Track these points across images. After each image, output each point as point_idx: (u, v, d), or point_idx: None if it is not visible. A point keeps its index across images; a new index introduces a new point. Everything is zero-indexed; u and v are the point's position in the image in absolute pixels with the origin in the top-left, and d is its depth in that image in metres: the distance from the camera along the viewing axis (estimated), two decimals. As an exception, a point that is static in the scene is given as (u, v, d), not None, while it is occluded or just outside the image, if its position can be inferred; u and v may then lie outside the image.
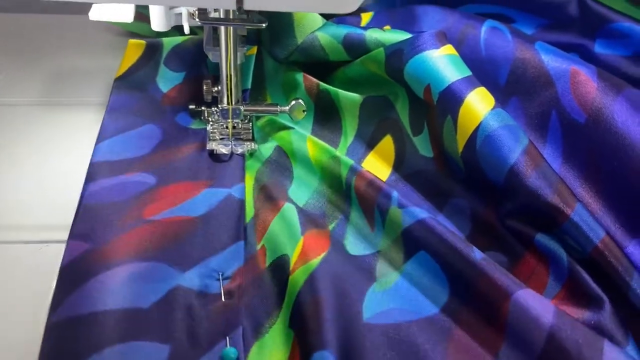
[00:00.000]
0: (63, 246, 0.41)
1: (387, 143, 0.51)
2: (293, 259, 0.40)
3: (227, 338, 0.36)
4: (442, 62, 0.45)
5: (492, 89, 0.48)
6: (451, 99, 0.43)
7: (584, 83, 0.45)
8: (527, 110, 0.47)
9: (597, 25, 0.57)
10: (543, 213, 0.39)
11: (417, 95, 0.47)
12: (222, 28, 0.44)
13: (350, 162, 0.46)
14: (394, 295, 0.39)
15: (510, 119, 0.42)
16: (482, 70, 0.49)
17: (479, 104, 0.42)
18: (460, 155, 0.44)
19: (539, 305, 0.34)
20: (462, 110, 0.43)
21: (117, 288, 0.36)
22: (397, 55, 0.49)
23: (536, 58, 0.48)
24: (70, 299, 0.36)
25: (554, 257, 0.39)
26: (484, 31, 0.51)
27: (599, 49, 0.57)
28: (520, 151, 0.41)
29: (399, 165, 0.49)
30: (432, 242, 0.40)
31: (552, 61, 0.47)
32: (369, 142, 0.51)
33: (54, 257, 0.40)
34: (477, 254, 0.38)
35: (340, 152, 0.48)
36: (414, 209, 0.41)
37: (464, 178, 0.45)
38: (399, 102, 0.51)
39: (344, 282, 0.39)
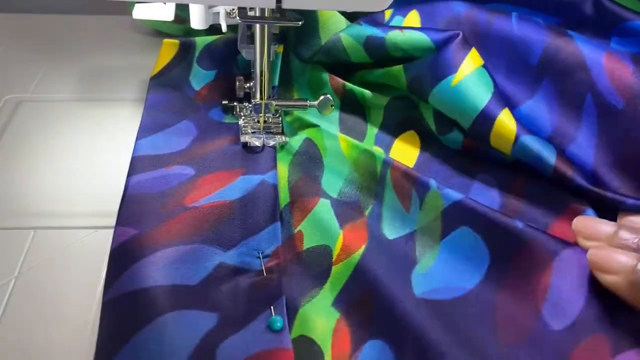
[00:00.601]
0: (110, 232, 0.43)
1: (412, 135, 0.53)
2: (335, 251, 0.42)
3: (272, 307, 0.38)
4: (462, 95, 0.46)
5: (523, 69, 0.48)
6: (482, 128, 0.45)
7: (619, 67, 0.45)
8: (561, 92, 0.47)
9: (612, 24, 0.58)
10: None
11: None
12: (258, 26, 0.46)
13: (382, 154, 0.48)
14: (435, 275, 0.41)
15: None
16: (513, 48, 0.49)
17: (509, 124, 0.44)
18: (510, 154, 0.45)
19: (580, 261, 0.36)
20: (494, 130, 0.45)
21: (164, 268, 0.39)
22: (417, 83, 0.50)
23: (570, 42, 0.48)
24: (121, 279, 0.38)
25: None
26: (515, 15, 0.51)
27: (614, 46, 0.58)
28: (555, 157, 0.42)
29: (426, 150, 0.51)
30: (473, 218, 0.41)
31: (585, 46, 0.47)
32: (393, 133, 0.53)
33: (104, 241, 0.43)
34: (518, 223, 0.39)
35: (367, 144, 0.50)
36: (450, 192, 0.42)
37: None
38: (422, 103, 0.52)
39: (389, 269, 0.40)
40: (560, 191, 0.43)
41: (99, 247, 0.43)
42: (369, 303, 0.39)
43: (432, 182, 0.44)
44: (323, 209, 0.45)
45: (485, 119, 0.45)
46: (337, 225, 0.44)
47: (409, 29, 0.52)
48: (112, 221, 0.44)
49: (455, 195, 0.42)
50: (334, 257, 0.42)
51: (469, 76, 0.46)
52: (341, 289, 0.40)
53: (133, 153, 0.49)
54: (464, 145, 0.49)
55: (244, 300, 0.38)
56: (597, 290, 0.34)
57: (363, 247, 0.42)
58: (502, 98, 0.45)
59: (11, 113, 0.56)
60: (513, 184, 0.45)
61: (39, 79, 0.62)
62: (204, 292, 0.38)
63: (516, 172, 0.46)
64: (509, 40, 0.50)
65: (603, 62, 0.46)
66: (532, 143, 0.43)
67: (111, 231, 0.43)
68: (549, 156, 0.42)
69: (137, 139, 0.51)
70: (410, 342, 0.35)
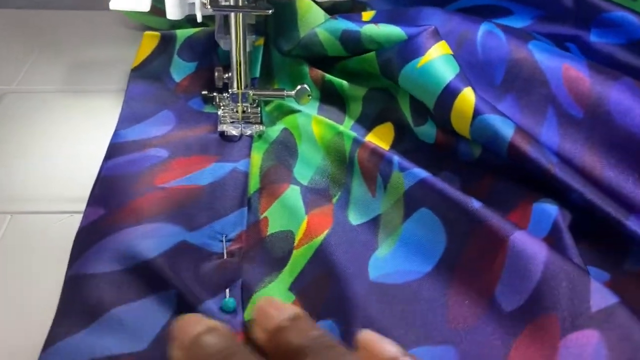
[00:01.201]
0: None
1: (387, 127, 0.53)
2: (298, 236, 0.43)
3: (227, 290, 0.38)
4: (427, 74, 0.47)
5: (489, 88, 0.50)
6: (445, 105, 0.46)
7: (576, 78, 0.47)
8: (523, 106, 0.48)
9: (591, 16, 0.58)
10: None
11: None
12: (232, 16, 0.47)
13: (354, 134, 0.48)
14: (392, 259, 0.41)
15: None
16: (480, 71, 0.51)
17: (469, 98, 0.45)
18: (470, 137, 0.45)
19: (534, 243, 0.36)
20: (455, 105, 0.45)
21: (125, 246, 0.39)
22: (388, 66, 0.51)
23: (530, 58, 0.49)
24: (82, 258, 0.38)
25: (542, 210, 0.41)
26: (480, 35, 0.52)
27: (594, 38, 0.58)
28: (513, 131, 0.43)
29: (397, 144, 0.51)
30: (433, 198, 0.41)
31: (545, 60, 0.49)
32: (369, 126, 0.54)
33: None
34: (475, 203, 0.39)
35: (344, 128, 0.51)
36: (414, 170, 0.43)
37: (475, 160, 0.47)
38: (400, 94, 0.53)
39: (348, 253, 0.41)
40: (518, 187, 0.44)
41: (75, 231, 0.43)
42: (324, 286, 0.39)
43: (395, 159, 0.44)
44: (291, 194, 0.46)
45: (448, 95, 0.45)
46: (303, 211, 0.44)
47: (383, 24, 0.52)
48: None
49: (419, 173, 0.43)
50: (296, 241, 0.43)
51: (436, 59, 0.47)
52: (299, 273, 0.41)
53: (111, 140, 0.50)
54: (437, 141, 0.49)
55: (202, 281, 0.39)
56: (551, 270, 0.34)
57: (326, 231, 0.43)
58: (467, 80, 0.46)
59: (-5, 105, 0.57)
60: (477, 183, 0.46)
61: (24, 72, 0.63)
62: (161, 268, 0.38)
63: (482, 172, 0.46)
64: (476, 64, 0.51)
65: (561, 74, 0.48)
66: (490, 120, 0.43)
67: None
68: (507, 130, 0.43)
69: (117, 129, 0.51)
70: (356, 323, 0.36)
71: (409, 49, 0.49)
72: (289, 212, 0.45)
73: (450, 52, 0.48)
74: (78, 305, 0.36)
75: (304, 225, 0.43)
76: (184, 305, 0.36)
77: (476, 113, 0.44)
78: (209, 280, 0.39)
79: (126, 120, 0.52)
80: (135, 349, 0.35)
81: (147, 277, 0.38)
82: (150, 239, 0.40)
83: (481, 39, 0.53)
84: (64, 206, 0.46)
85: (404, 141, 0.52)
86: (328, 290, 0.39)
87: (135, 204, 0.42)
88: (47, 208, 0.46)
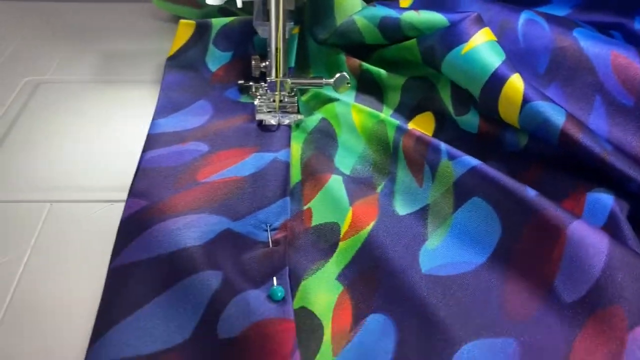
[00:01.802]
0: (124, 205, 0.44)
1: (427, 116, 0.52)
2: (344, 228, 0.42)
3: (274, 278, 0.37)
4: (473, 61, 0.46)
5: (532, 77, 0.49)
6: (492, 92, 0.44)
7: (625, 66, 0.45)
8: (569, 95, 0.47)
9: (635, 2, 0.57)
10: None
11: None
12: (272, 2, 0.46)
13: (397, 122, 0.47)
14: (444, 251, 0.40)
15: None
16: (521, 60, 0.50)
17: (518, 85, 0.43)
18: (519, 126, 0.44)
19: (594, 233, 0.35)
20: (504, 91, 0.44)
21: (171, 233, 0.39)
22: (430, 53, 0.50)
23: (575, 45, 0.48)
24: (127, 249, 0.38)
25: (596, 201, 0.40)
26: (521, 24, 0.51)
27: (639, 25, 0.57)
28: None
29: (438, 134, 0.50)
30: (485, 187, 0.40)
31: (591, 47, 0.47)
32: (408, 115, 0.53)
33: (118, 214, 0.42)
34: (530, 192, 0.38)
35: (385, 116, 0.49)
36: (464, 158, 0.42)
37: (521, 150, 0.46)
38: (441, 83, 0.52)
39: (397, 245, 0.40)
40: (568, 177, 0.42)
41: (114, 220, 0.43)
42: (374, 278, 0.38)
43: (443, 147, 0.43)
44: (335, 185, 0.45)
45: (495, 82, 0.44)
46: (347, 202, 0.43)
47: (424, 10, 0.51)
48: (126, 195, 0.44)
49: (470, 161, 0.42)
50: (342, 233, 0.42)
51: (481, 45, 0.46)
52: (347, 264, 0.40)
53: (149, 130, 0.49)
54: (480, 130, 0.48)
55: (248, 269, 0.38)
56: (615, 260, 0.33)
57: (372, 223, 0.42)
58: (514, 67, 0.45)
59: (30, 94, 0.57)
60: (524, 174, 0.44)
61: (58, 63, 0.63)
62: (208, 254, 0.37)
63: (529, 162, 0.45)
64: (518, 54, 0.50)
65: (610, 61, 0.46)
66: (540, 107, 0.42)
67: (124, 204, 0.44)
68: (558, 117, 0.41)
69: (154, 119, 0.51)
70: (412, 317, 0.35)
71: (452, 36, 0.47)
72: (333, 204, 0.44)
73: (495, 38, 0.47)
74: (123, 295, 0.36)
75: (349, 217, 0.42)
76: (226, 292, 0.36)
77: (525, 100, 0.42)
78: (255, 268, 0.38)
79: (163, 109, 0.52)
80: (179, 339, 0.34)
81: (190, 263, 0.37)
82: (194, 228, 0.39)
83: (522, 27, 0.51)
84: (103, 195, 0.45)
85: (445, 131, 0.50)
86: (379, 283, 0.38)
87: (178, 198, 0.42)
88: (86, 197, 0.45)
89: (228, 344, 0.33)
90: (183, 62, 0.58)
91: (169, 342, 0.34)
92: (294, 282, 0.39)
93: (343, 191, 0.44)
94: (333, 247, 0.41)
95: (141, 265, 0.37)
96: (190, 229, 0.39)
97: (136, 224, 0.40)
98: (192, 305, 0.35)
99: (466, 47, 0.46)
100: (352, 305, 0.38)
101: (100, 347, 0.33)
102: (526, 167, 0.45)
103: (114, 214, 0.43)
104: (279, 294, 0.36)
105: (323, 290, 0.39)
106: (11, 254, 0.40)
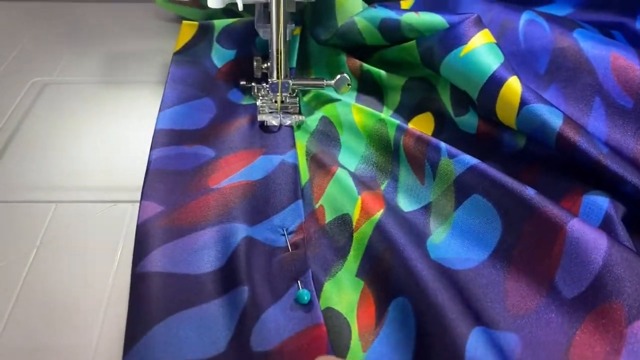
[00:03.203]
0: (128, 205, 0.45)
1: (426, 117, 0.52)
2: (355, 217, 0.43)
3: (299, 282, 0.38)
4: (471, 63, 0.46)
5: (532, 77, 0.49)
6: (489, 95, 0.45)
7: (625, 67, 0.45)
8: (568, 96, 0.47)
9: (637, 2, 0.57)
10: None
11: None
12: (273, 3, 0.47)
13: (397, 122, 0.48)
14: (447, 247, 0.41)
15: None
16: (522, 61, 0.50)
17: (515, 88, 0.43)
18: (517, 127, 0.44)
19: (593, 231, 0.35)
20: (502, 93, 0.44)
21: (194, 256, 0.39)
22: (429, 55, 0.50)
23: (575, 46, 0.48)
24: (150, 257, 0.38)
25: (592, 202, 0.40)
26: (522, 24, 0.51)
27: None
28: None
29: (437, 135, 0.50)
30: (485, 185, 0.41)
31: (591, 48, 0.47)
32: (408, 116, 0.53)
33: (121, 215, 0.44)
34: (530, 190, 0.39)
35: (385, 115, 0.50)
36: (464, 157, 0.42)
37: (519, 151, 0.46)
38: (440, 84, 0.52)
39: (406, 234, 0.41)
40: (565, 178, 0.43)
41: (119, 220, 0.44)
42: (388, 264, 0.39)
43: (443, 145, 0.44)
44: (342, 175, 0.46)
45: (493, 84, 0.44)
46: (356, 191, 0.44)
47: (424, 12, 0.51)
48: (130, 196, 0.46)
49: (469, 160, 0.42)
50: (354, 222, 0.42)
51: (479, 48, 0.46)
52: (362, 255, 0.41)
53: (156, 125, 0.50)
54: (479, 131, 0.48)
55: (272, 278, 0.39)
56: (614, 256, 0.34)
57: (381, 210, 0.42)
58: (512, 70, 0.45)
59: (37, 95, 0.58)
60: (521, 174, 0.45)
61: (64, 64, 0.63)
62: (232, 269, 0.38)
63: (526, 163, 0.45)
64: (519, 54, 0.50)
65: (609, 63, 0.46)
66: (537, 109, 0.42)
67: (129, 205, 0.45)
68: (555, 120, 0.41)
69: (160, 110, 0.52)
70: (429, 298, 0.35)
71: (451, 37, 0.48)
72: (343, 194, 0.44)
73: (494, 40, 0.47)
74: (153, 302, 0.36)
75: (359, 205, 0.43)
76: (255, 306, 0.36)
77: (523, 102, 0.42)
78: (278, 275, 0.39)
79: (170, 101, 0.53)
80: (214, 351, 0.35)
81: (218, 279, 0.38)
82: (215, 246, 0.40)
83: (523, 28, 0.52)
84: (108, 195, 0.46)
85: (445, 131, 0.51)
86: (392, 268, 0.38)
87: (193, 206, 0.43)
88: (91, 197, 0.46)
89: (264, 357, 0.34)
90: (190, 57, 0.59)
91: (206, 353, 0.34)
92: (317, 285, 0.39)
93: (351, 181, 0.45)
94: (348, 241, 0.42)
95: (167, 278, 0.37)
96: (212, 249, 0.40)
97: (157, 230, 0.40)
98: (222, 323, 0.36)
99: (465, 49, 0.46)
100: (374, 297, 0.38)
101: (133, 357, 0.33)
102: (524, 168, 0.45)
103: (119, 215, 0.44)
104: (306, 297, 0.37)
105: (345, 289, 0.40)
106: (16, 255, 0.41)
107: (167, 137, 0.49)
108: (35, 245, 0.42)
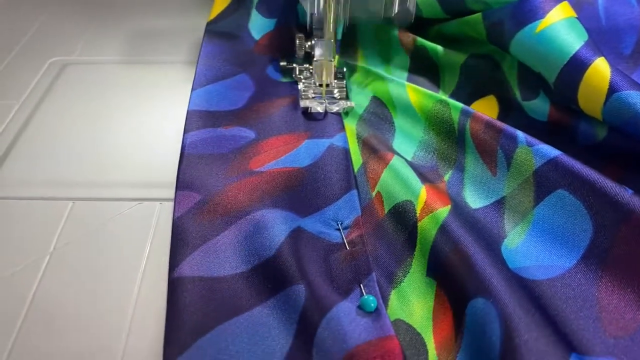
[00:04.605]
0: (156, 204, 0.40)
1: (489, 100, 0.47)
2: (419, 205, 0.37)
3: (362, 286, 0.33)
4: (549, 41, 0.40)
5: (616, 60, 0.44)
6: (571, 79, 0.39)
7: None
8: None
9: None
10: None
11: None
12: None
13: (460, 105, 0.43)
14: (526, 251, 0.36)
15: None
16: (602, 40, 0.45)
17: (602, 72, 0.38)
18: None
19: None
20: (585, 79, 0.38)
21: (239, 247, 0.35)
22: (498, 30, 0.45)
23: None
24: (191, 259, 0.34)
25: None
26: (601, 3, 0.47)
27: None
28: None
29: (502, 121, 0.45)
30: (572, 180, 0.35)
31: None
32: (467, 100, 0.47)
33: (148, 215, 0.39)
34: (627, 190, 0.33)
35: (446, 96, 0.45)
36: (544, 147, 0.37)
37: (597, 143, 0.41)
38: (506, 63, 0.47)
39: (477, 235, 0.36)
40: None
41: (144, 221, 0.39)
42: (460, 263, 0.33)
43: (520, 134, 0.39)
44: (399, 163, 0.41)
45: (576, 67, 0.38)
46: (418, 180, 0.39)
47: None
48: (158, 193, 0.41)
49: (551, 151, 0.37)
50: (418, 212, 0.37)
51: (558, 23, 0.40)
52: (430, 249, 0.35)
53: (189, 106, 0.46)
54: (550, 118, 0.43)
55: (330, 277, 0.34)
56: None
57: (449, 206, 0.37)
58: (598, 50, 0.39)
59: (55, 77, 0.54)
60: (603, 171, 0.39)
61: (85, 42, 0.59)
62: (285, 264, 0.33)
63: (607, 158, 0.40)
64: (599, 32, 0.46)
65: None
66: (630, 98, 0.36)
67: (157, 204, 0.40)
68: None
69: (193, 89, 0.47)
70: (514, 302, 0.30)
71: (525, 11, 0.42)
72: (402, 180, 0.39)
73: (575, 14, 0.41)
74: (196, 312, 0.32)
75: (423, 194, 0.38)
76: (314, 309, 0.31)
77: (612, 90, 0.36)
78: (337, 275, 0.34)
79: (203, 78, 0.49)
80: None
81: (270, 276, 0.33)
82: (262, 234, 0.35)
83: (604, 2, 0.47)
84: (132, 192, 0.41)
85: (510, 118, 0.45)
86: (465, 267, 0.33)
87: (233, 190, 0.38)
88: (113, 194, 0.41)
89: None
90: (224, 27, 0.55)
91: None
92: (383, 292, 0.34)
93: (410, 170, 0.40)
94: (413, 232, 0.37)
95: (211, 282, 0.33)
96: (258, 238, 0.35)
97: (196, 228, 0.36)
98: (280, 330, 0.32)
99: (541, 25, 0.41)
100: (450, 300, 0.33)
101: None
102: (603, 164, 0.39)
103: (145, 215, 0.39)
104: (372, 305, 0.31)
105: (416, 295, 0.34)
106: (30, 258, 0.37)
107: (201, 119, 0.45)
108: (51, 247, 0.37)
